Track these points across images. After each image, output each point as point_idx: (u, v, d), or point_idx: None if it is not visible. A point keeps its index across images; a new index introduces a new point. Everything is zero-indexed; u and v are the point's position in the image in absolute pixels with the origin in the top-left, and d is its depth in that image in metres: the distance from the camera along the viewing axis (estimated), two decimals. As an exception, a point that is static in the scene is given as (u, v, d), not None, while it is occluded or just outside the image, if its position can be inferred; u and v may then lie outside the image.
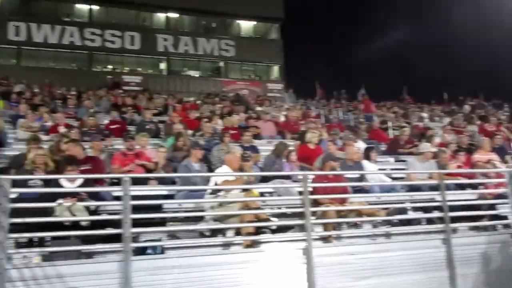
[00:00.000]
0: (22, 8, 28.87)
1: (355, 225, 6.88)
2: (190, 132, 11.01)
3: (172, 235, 6.11)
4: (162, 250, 5.58)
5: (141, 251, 5.41)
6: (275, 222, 6.01)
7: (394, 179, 8.99)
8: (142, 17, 31.78)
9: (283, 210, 6.67)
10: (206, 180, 6.93)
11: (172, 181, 7.68)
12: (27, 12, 28.74)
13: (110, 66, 30.37)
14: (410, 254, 5.96)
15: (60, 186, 5.88)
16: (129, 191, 4.99)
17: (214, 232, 6.10)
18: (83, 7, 30.39)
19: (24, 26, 28.10)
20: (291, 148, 9.20)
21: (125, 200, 4.96)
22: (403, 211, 7.12)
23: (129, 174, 6.70)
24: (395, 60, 43.56)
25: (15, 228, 4.80)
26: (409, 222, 6.90)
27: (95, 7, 30.44)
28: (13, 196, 4.86)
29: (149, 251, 5.51)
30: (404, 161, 10.51)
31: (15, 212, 4.75)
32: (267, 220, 5.97)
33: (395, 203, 7.20)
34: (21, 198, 5.34)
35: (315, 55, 42.89)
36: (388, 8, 43.33)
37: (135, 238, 5.28)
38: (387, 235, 6.53)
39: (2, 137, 9.85)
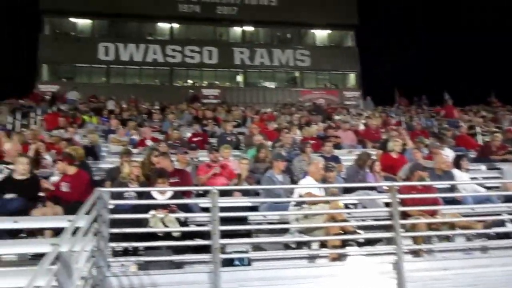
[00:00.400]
0: (111, 30, 31.08)
1: (447, 239, 6.50)
2: (269, 143, 11.09)
3: (257, 247, 6.15)
4: (249, 261, 5.65)
5: (228, 262, 5.51)
6: (363, 235, 5.83)
7: (488, 188, 8.41)
8: (219, 32, 32.79)
9: (370, 222, 6.49)
10: (290, 192, 6.92)
11: (255, 193, 7.76)
12: (114, 33, 30.87)
13: (190, 81, 31.59)
14: (510, 270, 5.52)
15: (152, 197, 6.16)
16: (217, 203, 5.12)
17: (300, 245, 6.06)
18: (165, 26, 32.01)
19: (112, 46, 30.19)
20: (374, 157, 8.94)
21: (214, 212, 5.08)
22: (500, 223, 6.62)
23: (214, 184, 6.91)
24: (478, 63, 40.91)
25: (112, 237, 5.12)
26: (508, 236, 6.40)
27: (176, 25, 31.93)
28: (110, 207, 5.20)
29: (236, 262, 5.60)
30: (498, 168, 9.81)
31: (112, 222, 5.07)
32: (354, 232, 5.81)
33: (491, 215, 6.72)
34: (116, 209, 5.66)
35: (391, 60, 41.48)
36: (470, 9, 40.94)
37: (222, 249, 5.39)
38: (484, 250, 6.10)
39: (96, 151, 10.55)
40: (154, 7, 30.22)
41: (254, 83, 32.41)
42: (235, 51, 31.50)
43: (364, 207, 7.11)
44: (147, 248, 5.52)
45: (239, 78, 32.45)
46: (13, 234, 5.98)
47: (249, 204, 6.83)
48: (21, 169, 6.46)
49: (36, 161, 8.15)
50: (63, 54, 29.06)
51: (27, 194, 6.28)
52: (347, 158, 10.17)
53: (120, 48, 30.23)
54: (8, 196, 6.18)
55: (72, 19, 31.11)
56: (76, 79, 30.12)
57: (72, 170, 6.89)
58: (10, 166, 6.96)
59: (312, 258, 5.83)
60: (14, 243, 5.46)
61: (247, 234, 6.25)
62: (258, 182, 7.96)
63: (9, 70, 31.99)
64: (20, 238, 6.02)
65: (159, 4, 30.44)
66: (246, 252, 5.92)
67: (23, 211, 6.00)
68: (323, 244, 5.90)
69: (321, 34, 34.07)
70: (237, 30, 32.80)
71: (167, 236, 5.44)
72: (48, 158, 8.86)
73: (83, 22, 31.45)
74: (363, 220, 6.77)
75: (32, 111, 16.69)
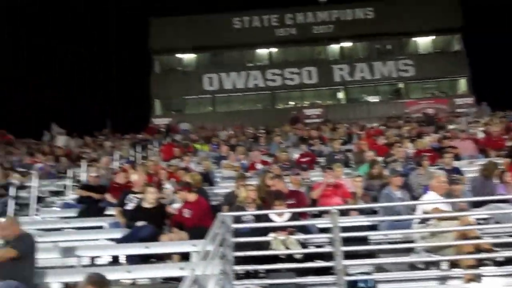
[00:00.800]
0: (213, 61, 32.74)
1: None
2: (379, 158, 10.70)
3: (380, 268, 5.88)
4: (374, 283, 5.42)
5: (352, 284, 5.34)
6: (503, 253, 5.29)
7: None
8: (316, 51, 32.86)
9: (506, 239, 5.90)
10: (411, 209, 6.56)
11: (372, 211, 7.47)
12: (217, 64, 32.45)
13: (291, 102, 31.91)
14: None
15: (270, 220, 6.23)
16: (337, 223, 5.02)
17: (428, 265, 5.68)
18: (263, 52, 32.88)
19: (216, 76, 31.71)
20: (501, 167, 8.17)
21: (335, 232, 4.99)
22: None
23: (329, 204, 6.80)
24: None
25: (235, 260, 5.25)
26: None
27: (274, 50, 32.64)
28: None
29: (361, 284, 5.40)
30: None
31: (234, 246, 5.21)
32: (490, 250, 5.29)
33: None
34: (236, 233, 5.80)
35: (505, 61, 37.94)
36: None
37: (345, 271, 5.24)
38: None
39: (210, 177, 11.02)
40: (252, 35, 31.36)
41: (356, 98, 31.78)
42: (334, 68, 31.21)
43: (497, 222, 6.47)
44: (268, 270, 5.57)
45: (341, 95, 32.05)
46: (144, 259, 6.43)
47: (368, 223, 6.60)
48: (150, 198, 6.97)
49: (159, 190, 8.71)
50: (172, 88, 31.23)
51: (156, 221, 6.72)
52: (469, 169, 9.45)
53: (223, 77, 31.62)
54: (139, 223, 6.67)
55: (178, 55, 33.30)
56: (185, 110, 32.10)
57: (192, 197, 7.23)
58: (139, 196, 7.50)
59: (443, 279, 5.43)
60: (148, 267, 5.84)
61: (368, 254, 6.03)
62: (374, 200, 7.68)
63: (127, 107, 35.25)
64: (150, 262, 6.44)
65: (256, 32, 31.55)
66: (369, 273, 5.71)
67: (153, 237, 6.43)
68: (454, 264, 5.45)
69: (424, 41, 32.47)
70: (334, 47, 32.54)
71: (289, 258, 5.44)
72: (168, 186, 9.43)
73: (188, 57, 33.51)
74: (497, 237, 6.18)
75: (149, 144, 18.02)
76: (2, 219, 5.62)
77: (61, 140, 20.44)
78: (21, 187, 10.29)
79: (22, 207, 9.96)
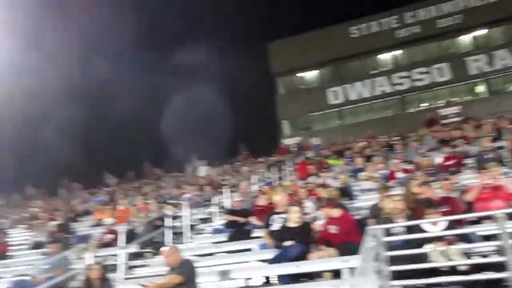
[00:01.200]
0: (335, 74, 32.47)
1: None
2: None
3: None
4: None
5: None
6: None
7: None
8: (445, 46, 30.50)
9: None
10: None
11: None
12: (340, 76, 32.10)
13: (424, 104, 29.95)
14: None
15: (422, 230, 5.79)
16: (505, 229, 4.46)
17: None
18: (386, 56, 31.65)
19: (339, 89, 31.41)
20: None
21: (504, 239, 4.44)
22: None
23: (489, 209, 6.12)
24: None
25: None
26: None
27: (397, 52, 31.23)
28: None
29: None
30: None
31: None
32: None
33: None
34: (388, 246, 5.49)
35: None
36: None
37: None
38: None
39: (349, 191, 10.74)
40: (372, 41, 30.56)
41: (500, 89, 28.57)
42: (468, 61, 28.61)
43: None
44: (429, 285, 5.17)
45: (480, 88, 29.15)
46: (294, 278, 6.43)
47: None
48: (294, 217, 7.01)
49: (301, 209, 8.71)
50: (298, 107, 31.73)
51: (302, 240, 6.71)
52: None
53: (348, 89, 31.17)
54: (287, 243, 6.72)
55: (300, 74, 33.78)
56: (313, 127, 32.21)
57: (337, 212, 7.11)
58: (283, 216, 7.59)
59: None
60: (302, 286, 5.83)
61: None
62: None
63: (257, 131, 36.55)
64: (300, 281, 6.42)
65: (376, 37, 30.67)
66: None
67: (302, 256, 6.42)
68: None
69: None
70: (465, 38, 29.91)
71: (452, 270, 4.97)
72: (309, 204, 9.39)
73: (309, 74, 33.80)
74: None
75: (283, 164, 18.31)
76: (166, 248, 6.13)
77: (203, 170, 21.94)
78: (174, 217, 11.14)
79: (177, 235, 10.76)
